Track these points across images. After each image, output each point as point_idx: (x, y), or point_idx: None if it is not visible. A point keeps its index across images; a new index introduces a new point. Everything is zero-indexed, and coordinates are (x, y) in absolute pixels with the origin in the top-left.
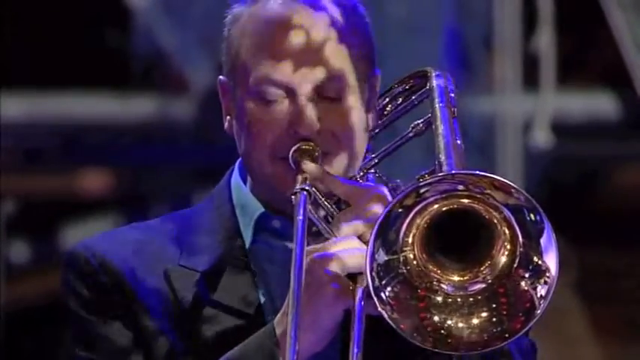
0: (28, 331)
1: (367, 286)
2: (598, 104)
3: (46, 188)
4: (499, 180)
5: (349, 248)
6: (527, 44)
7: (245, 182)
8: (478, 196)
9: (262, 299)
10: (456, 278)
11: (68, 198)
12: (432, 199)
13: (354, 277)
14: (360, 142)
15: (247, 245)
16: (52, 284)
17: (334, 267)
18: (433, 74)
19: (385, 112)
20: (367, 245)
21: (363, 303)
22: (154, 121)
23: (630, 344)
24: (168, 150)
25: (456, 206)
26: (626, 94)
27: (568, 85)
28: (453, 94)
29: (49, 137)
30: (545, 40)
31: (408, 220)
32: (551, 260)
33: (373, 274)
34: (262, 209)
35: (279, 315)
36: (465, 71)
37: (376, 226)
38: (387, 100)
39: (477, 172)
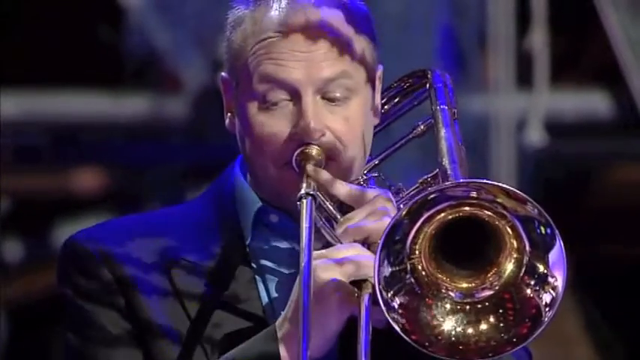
0: (22, 330)
1: (374, 294)
2: (591, 103)
3: (39, 187)
4: (513, 191)
5: (354, 255)
6: (520, 43)
7: (245, 177)
8: (487, 204)
9: (261, 296)
10: (464, 285)
11: (61, 196)
12: (439, 207)
13: (358, 283)
14: (365, 145)
15: (247, 240)
16: (46, 282)
17: (338, 274)
18: (433, 74)
19: (382, 112)
20: (373, 252)
21: (369, 311)
22: (147, 119)
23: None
24: (162, 148)
25: (463, 214)
26: (619, 92)
27: (562, 83)
28: (452, 95)
29: (43, 135)
30: (539, 39)
31: (415, 229)
32: (558, 272)
33: (381, 286)
34: (261, 204)
35: (280, 318)
36: (458, 70)
37: (383, 236)
38: (385, 99)
39: (490, 181)
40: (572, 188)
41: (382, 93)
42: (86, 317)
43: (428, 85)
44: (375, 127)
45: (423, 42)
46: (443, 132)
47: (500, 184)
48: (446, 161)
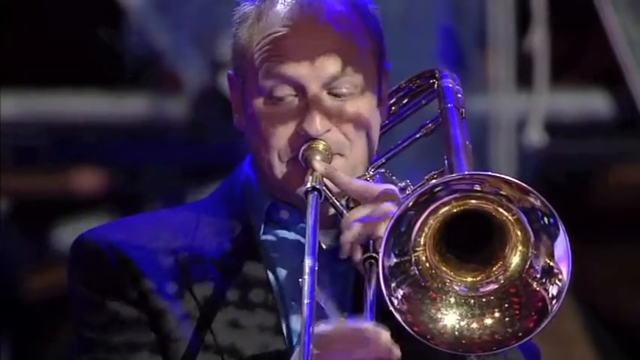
0: (22, 329)
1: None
2: (591, 103)
3: (39, 187)
4: (516, 182)
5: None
6: (520, 43)
7: (255, 174)
8: (492, 197)
9: (272, 288)
10: (468, 279)
11: (61, 196)
12: (445, 199)
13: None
14: (371, 140)
15: (257, 236)
16: (46, 282)
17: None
18: (441, 74)
19: (391, 112)
20: (377, 248)
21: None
22: (147, 119)
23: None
24: (162, 149)
25: (468, 207)
26: (619, 93)
27: (561, 84)
28: (460, 95)
29: (42, 136)
30: (539, 39)
31: (420, 221)
32: (563, 263)
33: (385, 274)
34: (271, 200)
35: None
36: (458, 70)
37: (390, 224)
38: (394, 100)
39: (494, 173)
40: (572, 188)
41: (390, 94)
42: (100, 309)
43: (436, 85)
44: (383, 127)
45: (423, 42)
46: (451, 130)
47: (502, 176)
48: (453, 158)
